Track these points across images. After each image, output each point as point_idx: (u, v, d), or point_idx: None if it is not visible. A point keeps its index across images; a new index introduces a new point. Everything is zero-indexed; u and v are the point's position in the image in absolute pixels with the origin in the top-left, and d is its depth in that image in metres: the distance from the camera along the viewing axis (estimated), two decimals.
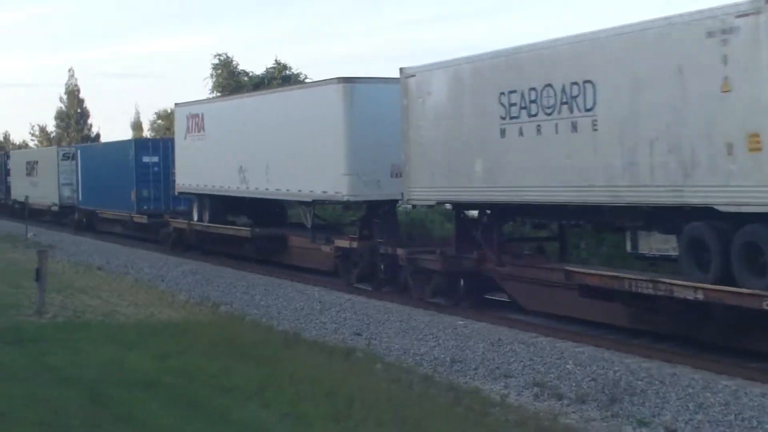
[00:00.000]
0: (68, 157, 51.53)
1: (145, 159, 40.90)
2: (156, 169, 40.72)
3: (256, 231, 31.27)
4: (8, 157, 66.34)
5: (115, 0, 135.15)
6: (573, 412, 13.58)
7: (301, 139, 27.15)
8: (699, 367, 15.48)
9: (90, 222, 48.54)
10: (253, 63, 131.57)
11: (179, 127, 36.69)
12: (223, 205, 34.01)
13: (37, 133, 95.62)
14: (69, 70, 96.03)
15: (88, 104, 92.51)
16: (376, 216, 25.77)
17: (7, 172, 64.36)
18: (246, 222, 33.73)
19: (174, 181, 37.76)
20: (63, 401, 12.26)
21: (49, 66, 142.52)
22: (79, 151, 51.10)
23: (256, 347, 16.51)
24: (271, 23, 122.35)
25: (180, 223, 36.92)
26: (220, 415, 11.70)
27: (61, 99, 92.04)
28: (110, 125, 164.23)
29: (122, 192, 41.68)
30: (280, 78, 52.50)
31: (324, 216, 31.68)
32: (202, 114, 34.62)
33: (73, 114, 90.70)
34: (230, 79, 55.01)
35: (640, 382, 14.69)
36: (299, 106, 27.68)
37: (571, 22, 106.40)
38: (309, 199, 27.44)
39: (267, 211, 32.92)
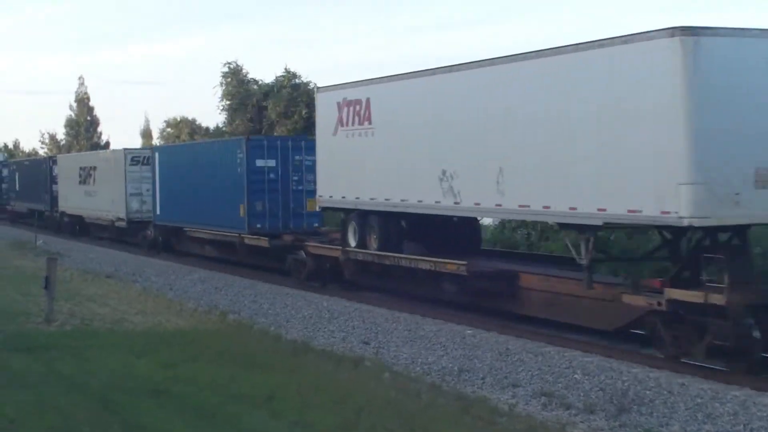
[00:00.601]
0: (138, 162, 42.99)
1: (259, 163, 31.49)
2: (273, 175, 31.55)
3: (474, 266, 21.94)
4: (54, 162, 56.72)
5: (125, 7, 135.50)
6: (581, 422, 13.56)
7: (585, 129, 17.97)
8: (708, 377, 15.49)
9: (168, 241, 40.23)
10: (263, 71, 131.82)
11: (324, 119, 27.55)
12: (398, 227, 25.22)
13: (46, 141, 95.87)
14: (79, 78, 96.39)
15: (98, 112, 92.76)
16: (716, 247, 16.95)
17: (53, 180, 55.50)
18: (415, 249, 24.94)
19: (299, 190, 31.60)
20: (72, 408, 12.31)
21: (58, 73, 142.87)
22: (157, 154, 41.11)
23: (265, 356, 16.56)
24: (281, 30, 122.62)
25: (324, 249, 27.97)
26: (228, 423, 11.74)
27: (70, 107, 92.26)
28: (119, 133, 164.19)
29: (226, 205, 32.79)
30: (290, 86, 52.54)
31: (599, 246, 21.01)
32: (367, 100, 25.26)
33: (83, 122, 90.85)
34: (239, 87, 55.04)
35: (648, 392, 14.68)
36: (585, 76, 18.04)
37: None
38: (598, 222, 17.76)
39: (450, 235, 25.00)
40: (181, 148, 43.72)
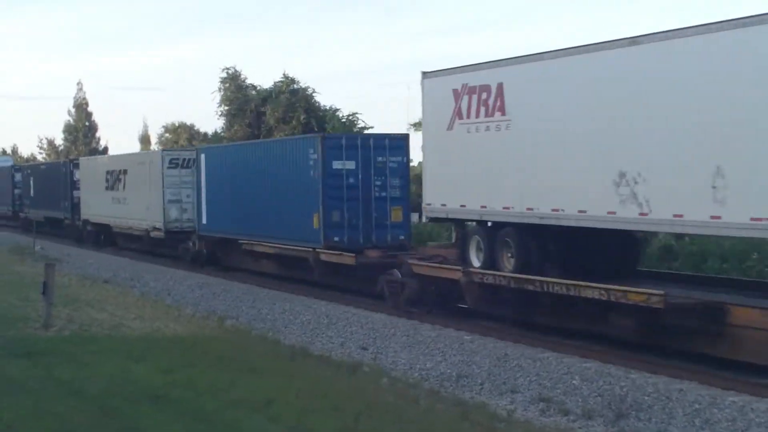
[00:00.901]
0: (176, 164, 38.20)
1: (337, 165, 27.04)
2: (352, 180, 27.19)
3: (674, 297, 17.17)
4: (76, 165, 52.12)
5: (123, 13, 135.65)
6: (579, 427, 13.56)
7: None
8: (706, 383, 15.49)
9: (215, 255, 35.86)
10: (261, 76, 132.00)
11: (433, 112, 23.01)
12: (541, 243, 20.47)
13: (45, 146, 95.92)
14: (77, 84, 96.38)
15: (96, 117, 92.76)
16: None
17: (74, 185, 51.06)
18: (555, 270, 19.99)
19: (382, 197, 27.45)
20: (71, 414, 12.29)
21: (57, 79, 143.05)
22: (203, 155, 36.16)
23: (263, 361, 16.55)
24: (279, 36, 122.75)
25: (435, 269, 22.93)
26: (227, 428, 11.72)
27: (69, 112, 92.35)
28: (118, 138, 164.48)
29: (294, 214, 28.60)
30: (288, 92, 52.61)
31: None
32: (499, 85, 20.63)
33: (81, 127, 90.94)
34: (238, 93, 55.12)
35: (646, 398, 14.69)
36: None
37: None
38: None
39: (596, 253, 19.94)
40: (234, 149, 37.44)
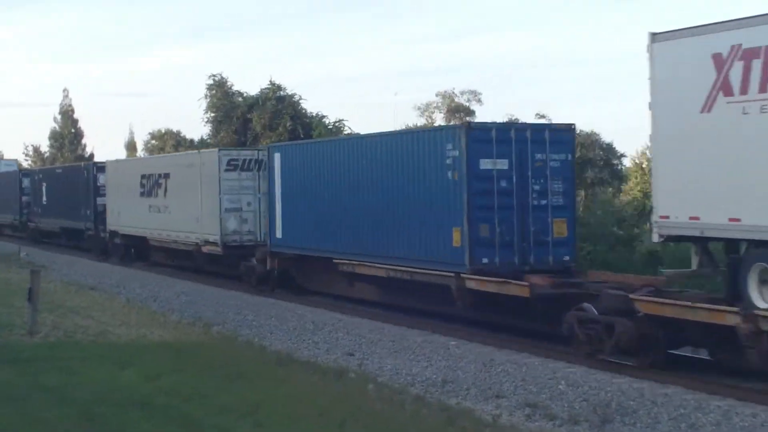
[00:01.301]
0: (235, 167, 32.07)
1: (485, 164, 21.28)
2: (504, 183, 21.45)
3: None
4: (100, 169, 45.99)
5: (110, 20, 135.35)
6: None
7: None
8: (691, 388, 15.57)
9: (288, 275, 29.84)
10: (248, 83, 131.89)
11: (672, 86, 17.15)
12: None
13: (30, 153, 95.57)
14: (63, 90, 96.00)
15: (82, 124, 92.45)
16: None
17: (97, 191, 45.44)
18: None
19: (542, 206, 21.53)
20: (57, 421, 12.29)
21: (42, 86, 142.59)
22: (277, 155, 29.62)
23: (249, 367, 16.55)
24: (266, 43, 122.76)
25: (690, 310, 16.46)
26: None
27: (55, 119, 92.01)
28: (103, 145, 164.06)
29: (423, 228, 22.62)
30: (275, 99, 52.68)
31: None
32: None
33: (67, 134, 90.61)
34: (224, 100, 55.12)
35: (632, 402, 14.75)
36: None
37: None
38: None
39: None
40: (325, 146, 28.51)
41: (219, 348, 19.06)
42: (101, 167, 46.01)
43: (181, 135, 71.30)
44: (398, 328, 22.32)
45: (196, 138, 65.44)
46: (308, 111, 53.48)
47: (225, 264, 33.01)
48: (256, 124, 52.25)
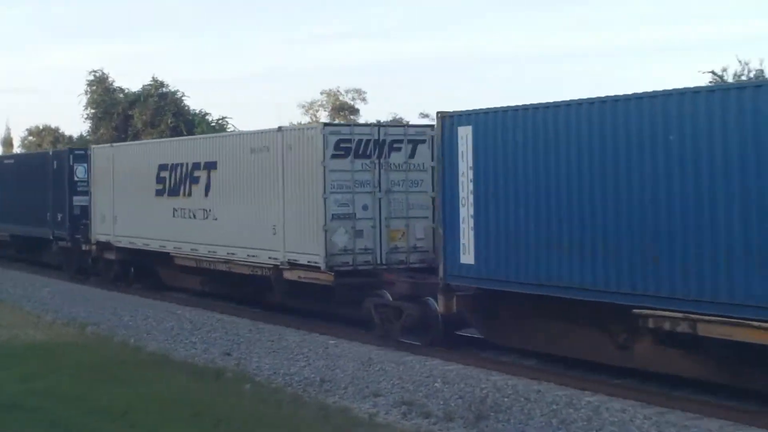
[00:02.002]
0: (346, 151, 21.10)
1: None
2: None
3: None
4: (78, 158, 34.16)
5: None
6: (440, 430, 13.71)
7: None
8: (563, 384, 15.86)
9: (492, 317, 18.18)
10: (130, 80, 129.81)
11: None
12: None
13: None
14: None
15: None
16: None
17: (73, 188, 33.80)
18: None
19: None
20: None
21: None
22: (468, 129, 17.40)
23: (124, 368, 16.32)
24: (150, 44, 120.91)
25: None
26: None
27: None
28: None
29: None
30: (157, 95, 52.15)
31: None
32: None
33: None
34: (105, 96, 54.37)
35: (506, 399, 14.95)
36: None
37: None
38: None
39: None
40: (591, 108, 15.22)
41: (94, 349, 18.79)
42: (80, 155, 34.09)
43: (60, 131, 70.13)
44: (277, 327, 22.22)
45: (75, 134, 64.48)
46: (191, 108, 53.17)
47: (320, 298, 21.93)
48: (137, 120, 51.72)
